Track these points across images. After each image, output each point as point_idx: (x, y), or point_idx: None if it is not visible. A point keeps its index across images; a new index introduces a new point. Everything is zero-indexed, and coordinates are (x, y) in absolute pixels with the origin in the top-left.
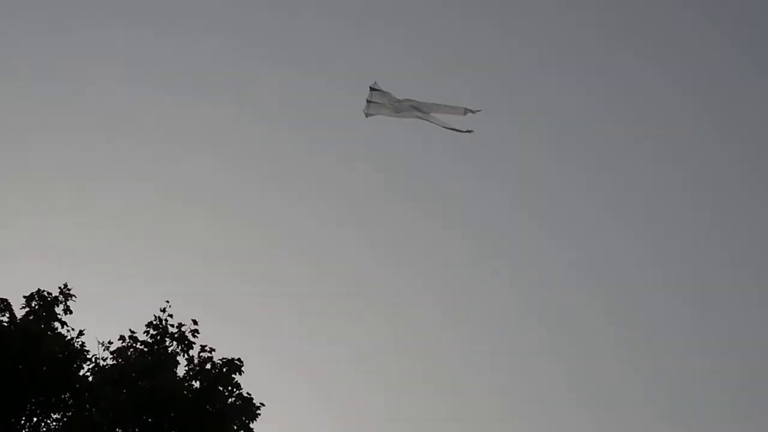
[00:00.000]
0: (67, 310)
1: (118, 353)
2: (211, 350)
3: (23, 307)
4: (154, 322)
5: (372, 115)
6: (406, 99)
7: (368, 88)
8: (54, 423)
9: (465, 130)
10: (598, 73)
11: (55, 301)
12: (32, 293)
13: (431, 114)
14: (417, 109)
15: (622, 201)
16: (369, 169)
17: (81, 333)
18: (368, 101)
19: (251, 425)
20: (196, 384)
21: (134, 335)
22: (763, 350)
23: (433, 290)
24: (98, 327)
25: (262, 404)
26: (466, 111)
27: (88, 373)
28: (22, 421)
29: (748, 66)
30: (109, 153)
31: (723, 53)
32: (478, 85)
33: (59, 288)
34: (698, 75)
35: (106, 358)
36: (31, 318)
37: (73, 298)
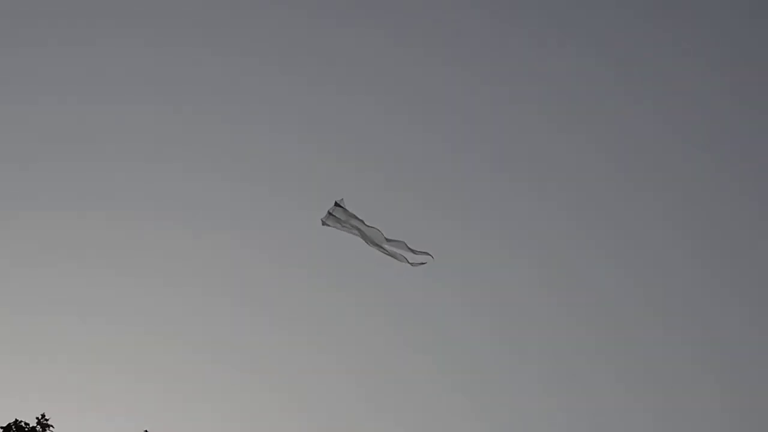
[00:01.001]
0: None
1: None
2: None
3: None
4: None
5: (328, 225)
6: (371, 227)
7: (333, 202)
8: None
9: (419, 262)
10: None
11: (33, 431)
12: (9, 424)
13: (387, 247)
14: (375, 239)
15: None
16: (348, 298)
17: None
18: (329, 213)
19: None
20: None
21: None
22: None
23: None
24: None
25: None
26: (416, 260)
27: None
28: None
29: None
30: (85, 286)
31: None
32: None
33: (37, 418)
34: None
35: None
36: None
37: (51, 428)
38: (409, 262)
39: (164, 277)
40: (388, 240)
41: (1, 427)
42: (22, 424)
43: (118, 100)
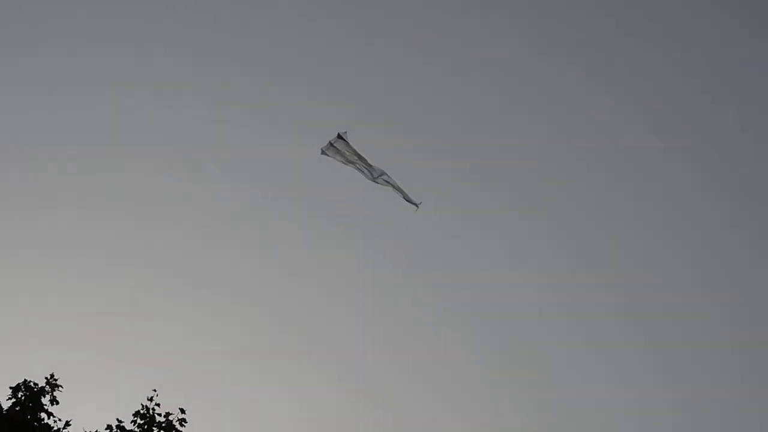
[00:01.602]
0: (54, 401)
1: None
2: None
3: (9, 398)
4: (142, 411)
5: (327, 155)
6: (367, 162)
7: (336, 133)
8: None
9: (415, 203)
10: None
11: (42, 391)
12: (18, 384)
13: (382, 179)
14: (371, 171)
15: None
16: (366, 247)
17: (68, 424)
18: (331, 143)
19: None
20: None
21: (121, 425)
22: None
23: (436, 388)
24: (85, 417)
25: None
26: (409, 201)
27: None
28: None
29: None
30: (94, 235)
31: None
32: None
33: (46, 378)
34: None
35: None
36: (17, 409)
37: (60, 388)
38: (405, 197)
39: (183, 223)
40: (390, 181)
41: (10, 388)
42: (31, 384)
43: (119, 43)
